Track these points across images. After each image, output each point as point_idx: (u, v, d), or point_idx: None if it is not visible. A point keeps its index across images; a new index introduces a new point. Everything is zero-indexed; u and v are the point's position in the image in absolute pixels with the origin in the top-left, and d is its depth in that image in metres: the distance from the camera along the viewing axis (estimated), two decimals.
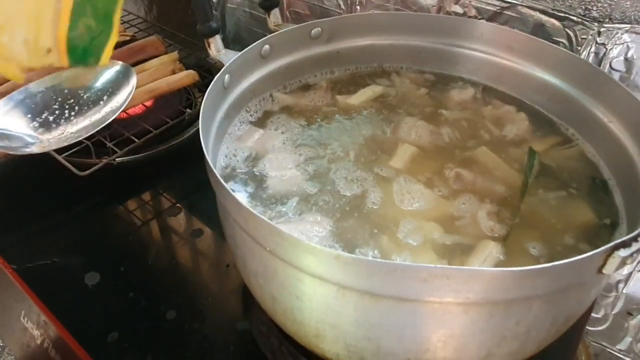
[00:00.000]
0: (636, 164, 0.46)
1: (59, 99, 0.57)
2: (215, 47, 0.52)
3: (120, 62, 0.61)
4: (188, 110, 0.82)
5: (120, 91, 0.58)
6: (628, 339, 0.72)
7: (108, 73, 0.59)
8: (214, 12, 1.03)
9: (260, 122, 0.56)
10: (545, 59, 0.57)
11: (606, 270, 0.33)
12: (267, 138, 0.54)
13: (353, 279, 0.32)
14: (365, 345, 0.37)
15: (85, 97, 0.58)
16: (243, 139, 0.54)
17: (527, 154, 0.52)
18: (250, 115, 0.56)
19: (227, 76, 0.49)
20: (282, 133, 0.55)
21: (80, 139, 0.55)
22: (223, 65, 0.50)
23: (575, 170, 0.51)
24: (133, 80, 0.58)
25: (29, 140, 0.53)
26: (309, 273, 0.34)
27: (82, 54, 0.49)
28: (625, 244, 0.32)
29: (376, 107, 0.58)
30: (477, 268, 0.37)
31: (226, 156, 0.50)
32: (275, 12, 0.60)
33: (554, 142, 0.55)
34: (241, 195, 0.47)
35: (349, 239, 0.43)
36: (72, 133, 0.55)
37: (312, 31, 0.59)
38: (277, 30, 0.57)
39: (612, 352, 0.73)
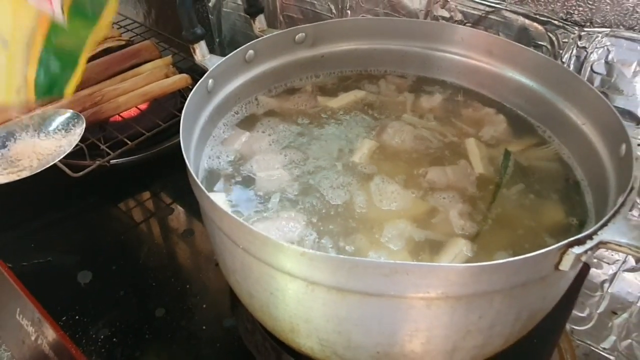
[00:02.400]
0: (605, 165, 0.47)
1: (17, 139, 0.63)
2: (201, 53, 0.54)
3: (71, 110, 0.67)
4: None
5: (71, 134, 0.64)
6: (612, 338, 0.74)
7: (60, 118, 0.66)
8: (210, 16, 1.05)
9: (246, 125, 0.58)
10: (523, 62, 0.58)
11: (562, 266, 0.34)
12: (254, 140, 0.56)
13: (319, 275, 0.34)
14: (336, 339, 0.38)
15: (39, 138, 0.64)
16: (230, 141, 0.55)
17: (503, 154, 0.54)
18: (236, 119, 0.58)
19: (210, 81, 0.51)
20: (269, 135, 0.56)
21: (35, 172, 0.61)
22: (205, 67, 0.52)
23: (550, 171, 0.53)
24: (81, 128, 0.65)
25: None
26: (279, 269, 0.36)
27: (47, 89, 0.56)
28: (579, 242, 0.33)
29: (358, 111, 0.60)
30: (434, 264, 0.38)
31: (210, 157, 0.52)
32: (261, 17, 0.62)
33: (531, 144, 0.56)
34: (223, 195, 0.48)
35: (330, 234, 0.45)
36: (24, 169, 0.61)
37: (297, 36, 0.60)
38: (263, 36, 0.59)
39: (597, 350, 0.75)
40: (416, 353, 0.38)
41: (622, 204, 0.37)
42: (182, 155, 0.43)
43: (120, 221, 0.74)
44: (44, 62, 0.53)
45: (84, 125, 0.63)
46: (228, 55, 0.53)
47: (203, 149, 0.52)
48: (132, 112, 0.81)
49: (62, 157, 0.60)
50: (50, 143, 0.62)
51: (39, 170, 0.58)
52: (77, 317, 0.59)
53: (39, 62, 0.53)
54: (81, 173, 0.68)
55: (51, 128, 0.63)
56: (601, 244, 0.34)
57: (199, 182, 0.38)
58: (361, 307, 0.35)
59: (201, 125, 0.51)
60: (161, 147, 0.79)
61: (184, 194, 0.77)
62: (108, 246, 0.69)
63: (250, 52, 0.56)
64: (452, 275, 0.32)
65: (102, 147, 0.73)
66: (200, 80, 0.49)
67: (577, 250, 0.33)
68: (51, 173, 0.70)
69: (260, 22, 0.62)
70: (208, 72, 0.50)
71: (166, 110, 0.83)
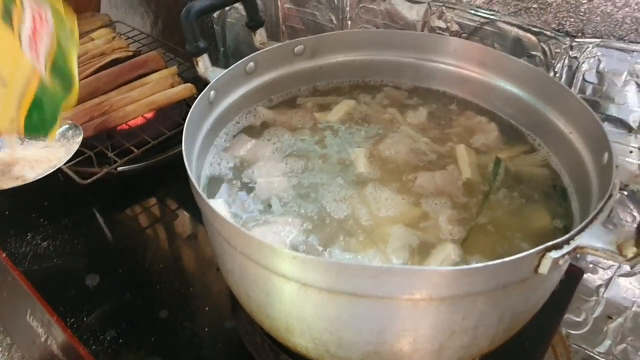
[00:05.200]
0: (589, 172, 0.49)
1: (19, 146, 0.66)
2: (203, 65, 0.56)
3: (70, 121, 0.70)
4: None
5: (70, 143, 0.67)
6: (607, 342, 0.75)
7: (60, 130, 0.69)
8: (215, 26, 1.08)
9: (249, 134, 0.60)
10: (513, 73, 0.60)
11: (541, 270, 0.36)
12: (258, 147, 0.58)
13: (311, 277, 0.36)
14: (328, 338, 0.40)
15: (40, 147, 0.67)
16: (236, 148, 0.58)
17: (494, 161, 0.56)
18: (236, 128, 0.60)
19: (212, 92, 0.54)
20: (274, 144, 0.59)
21: (39, 177, 0.63)
22: (208, 79, 0.54)
23: (539, 178, 0.54)
24: (79, 138, 0.68)
25: None
26: (274, 272, 0.38)
27: (34, 130, 0.62)
28: (556, 246, 0.35)
29: (353, 122, 0.62)
30: (418, 267, 0.41)
31: (211, 165, 0.54)
32: (261, 31, 0.65)
33: (521, 151, 0.58)
34: (222, 201, 0.51)
35: (324, 238, 0.47)
36: (28, 175, 0.63)
37: (296, 48, 0.63)
38: (263, 48, 0.61)
39: (592, 354, 0.76)
40: (404, 352, 0.40)
41: (600, 210, 0.38)
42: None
43: (127, 226, 0.76)
44: (32, 109, 0.59)
45: (82, 136, 0.67)
46: (229, 68, 0.56)
47: (205, 156, 0.54)
48: (139, 120, 0.84)
49: (62, 164, 0.63)
50: (49, 152, 0.65)
51: (42, 176, 0.61)
52: (84, 319, 0.61)
53: (29, 108, 0.59)
54: (89, 180, 0.70)
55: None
56: (578, 248, 0.36)
57: (199, 190, 0.41)
58: (351, 308, 0.37)
59: (203, 134, 0.53)
60: (166, 155, 0.81)
61: (187, 200, 0.79)
62: (115, 250, 0.72)
63: (251, 64, 0.59)
64: (435, 277, 0.34)
65: (110, 155, 0.75)
66: (203, 92, 0.52)
67: (554, 254, 0.35)
68: (60, 180, 0.73)
69: (260, 35, 0.64)
70: (210, 84, 0.53)
71: (171, 119, 0.85)
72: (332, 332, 0.40)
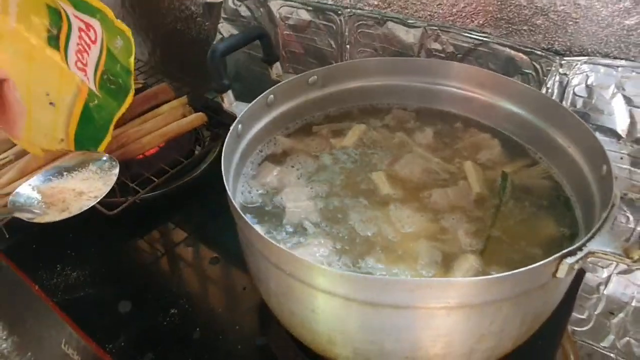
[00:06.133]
0: (590, 183, 0.54)
1: (61, 180, 0.70)
2: (228, 101, 0.61)
3: (107, 155, 0.74)
4: (198, 147, 0.91)
5: (108, 175, 0.71)
6: (611, 337, 0.79)
7: (98, 162, 0.72)
8: None
9: (272, 162, 0.64)
10: (511, 92, 0.65)
11: (559, 274, 0.41)
12: (283, 174, 0.62)
13: (355, 293, 0.40)
14: (370, 347, 0.44)
15: (80, 180, 0.70)
16: (261, 176, 0.62)
17: (500, 176, 0.60)
18: (260, 157, 0.65)
19: (239, 126, 0.58)
20: (297, 170, 0.63)
21: (82, 210, 0.66)
22: (234, 114, 0.59)
23: (543, 189, 0.59)
24: (116, 170, 0.71)
25: (37, 212, 0.65)
26: (320, 290, 0.42)
27: (85, 144, 0.68)
28: (571, 253, 0.40)
29: (366, 146, 0.67)
30: (452, 279, 0.45)
31: (242, 193, 0.59)
32: (277, 65, 0.69)
33: (524, 164, 0.63)
34: (258, 224, 0.55)
35: (355, 256, 0.51)
36: (71, 207, 0.67)
37: (310, 79, 0.68)
38: (279, 81, 0.66)
39: (597, 349, 0.80)
40: (439, 356, 0.44)
41: (605, 219, 0.43)
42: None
43: (150, 252, 0.79)
44: (82, 122, 0.62)
45: (118, 168, 0.70)
46: (253, 102, 0.61)
47: (237, 185, 0.58)
48: (152, 149, 0.88)
49: (102, 197, 0.66)
50: (89, 184, 0.68)
51: (87, 207, 0.64)
52: (122, 344, 0.64)
53: (78, 122, 0.62)
54: (116, 210, 0.74)
55: (90, 170, 0.69)
56: (590, 253, 0.41)
57: (246, 219, 0.45)
58: (392, 318, 0.42)
59: (234, 165, 0.57)
60: (182, 181, 0.85)
61: (205, 222, 0.83)
62: (142, 276, 0.74)
63: (271, 96, 0.64)
64: (467, 287, 0.39)
65: (131, 185, 0.79)
66: (232, 127, 0.56)
67: (570, 260, 0.40)
68: (84, 211, 0.75)
69: (276, 68, 0.69)
70: (238, 119, 0.57)
71: (184, 147, 0.89)
72: (373, 342, 0.44)
